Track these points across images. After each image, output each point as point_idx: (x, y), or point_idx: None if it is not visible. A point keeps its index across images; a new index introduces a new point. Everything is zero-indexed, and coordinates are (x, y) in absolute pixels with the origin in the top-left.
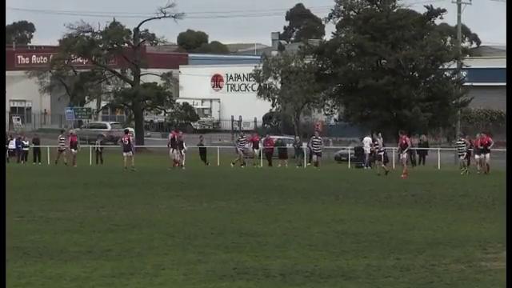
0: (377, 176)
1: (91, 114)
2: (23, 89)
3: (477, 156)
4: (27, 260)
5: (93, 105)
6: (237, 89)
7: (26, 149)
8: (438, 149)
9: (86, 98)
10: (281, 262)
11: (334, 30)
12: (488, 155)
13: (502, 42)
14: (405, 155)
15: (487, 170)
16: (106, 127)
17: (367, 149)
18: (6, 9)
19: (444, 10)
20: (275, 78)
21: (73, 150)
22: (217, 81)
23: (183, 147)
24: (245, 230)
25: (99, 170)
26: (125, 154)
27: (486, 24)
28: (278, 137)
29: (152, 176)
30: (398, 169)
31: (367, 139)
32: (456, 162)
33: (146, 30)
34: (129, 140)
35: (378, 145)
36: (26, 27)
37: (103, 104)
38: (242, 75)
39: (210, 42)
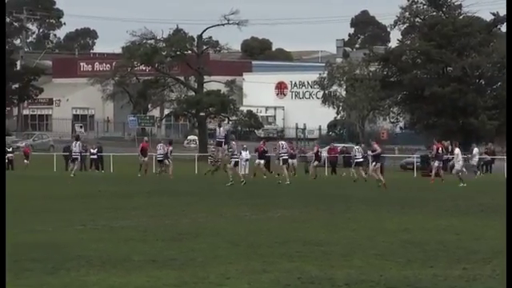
0: (433, 185)
1: (154, 121)
2: (86, 96)
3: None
4: (90, 269)
5: (156, 113)
6: (301, 96)
7: (94, 156)
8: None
9: (149, 106)
10: (346, 272)
11: (400, 36)
12: (436, 163)
13: None
14: (436, 163)
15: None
16: None
17: (476, 158)
18: (5, 9)
19: None
20: (340, 85)
21: (144, 158)
22: (281, 88)
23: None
24: (309, 238)
25: (161, 178)
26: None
27: None
28: (343, 145)
29: (215, 184)
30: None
31: (476, 150)
32: None
33: (210, 37)
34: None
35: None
36: (89, 34)
37: (166, 112)
38: (306, 83)
39: (273, 49)
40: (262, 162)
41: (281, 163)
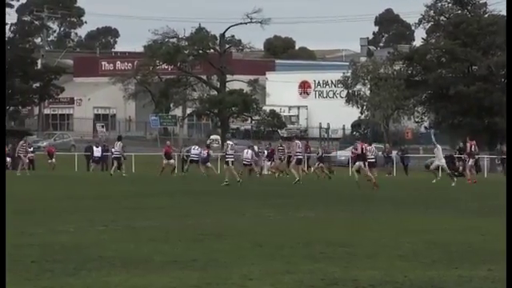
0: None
1: (176, 121)
2: (107, 95)
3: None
4: (111, 270)
5: (178, 112)
6: (325, 95)
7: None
8: None
9: (171, 105)
10: (370, 273)
11: (424, 35)
12: (470, 161)
13: None
14: (470, 161)
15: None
16: None
17: None
18: (5, 8)
19: None
20: (364, 84)
21: (168, 160)
22: (304, 87)
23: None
24: (333, 239)
25: (183, 178)
26: None
27: None
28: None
29: (235, 184)
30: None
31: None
32: None
33: (233, 36)
34: None
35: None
36: (111, 33)
37: (189, 111)
38: (329, 82)
39: (297, 47)
40: (269, 163)
41: (293, 162)
